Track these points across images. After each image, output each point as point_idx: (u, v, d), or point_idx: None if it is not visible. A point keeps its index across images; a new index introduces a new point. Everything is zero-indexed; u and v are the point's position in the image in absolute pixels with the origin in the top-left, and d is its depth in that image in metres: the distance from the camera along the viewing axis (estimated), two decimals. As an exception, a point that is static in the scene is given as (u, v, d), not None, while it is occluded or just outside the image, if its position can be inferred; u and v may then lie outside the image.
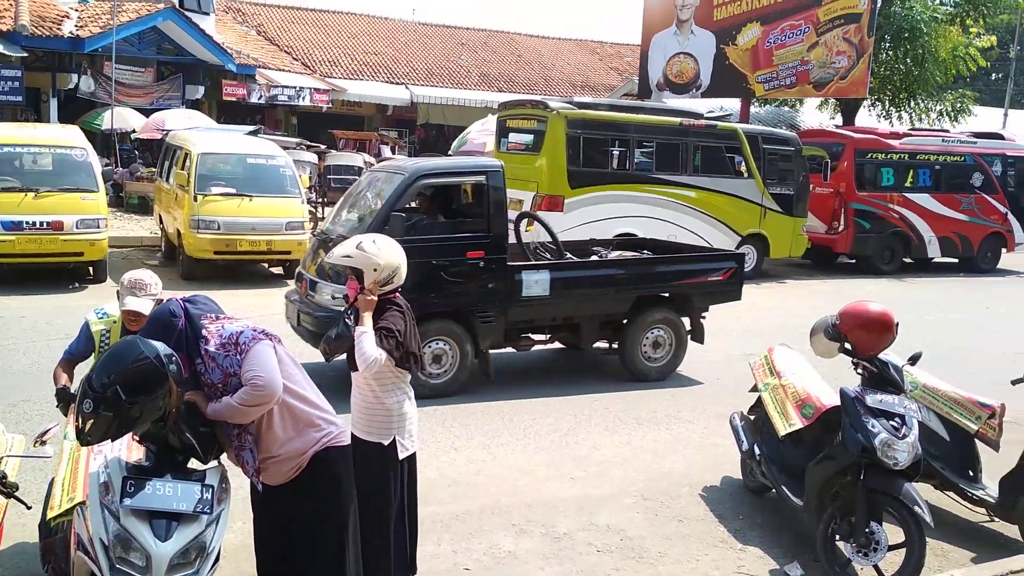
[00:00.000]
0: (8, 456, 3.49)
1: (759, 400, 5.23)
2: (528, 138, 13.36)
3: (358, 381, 3.88)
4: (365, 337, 3.67)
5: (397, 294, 3.90)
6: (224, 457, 3.31)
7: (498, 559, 4.50)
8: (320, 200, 18.40)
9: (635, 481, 5.57)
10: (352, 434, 3.83)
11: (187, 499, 2.98)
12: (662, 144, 13.40)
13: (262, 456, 3.25)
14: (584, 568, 4.44)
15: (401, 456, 3.87)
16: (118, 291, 4.10)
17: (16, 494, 3.32)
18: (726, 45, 21.50)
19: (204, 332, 3.17)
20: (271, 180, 12.08)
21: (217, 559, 3.08)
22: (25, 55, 18.04)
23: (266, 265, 12.70)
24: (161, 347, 2.92)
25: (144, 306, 3.95)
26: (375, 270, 3.73)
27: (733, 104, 22.79)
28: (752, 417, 5.37)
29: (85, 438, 2.90)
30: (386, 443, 3.83)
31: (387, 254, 3.76)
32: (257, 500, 3.40)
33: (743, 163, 14.12)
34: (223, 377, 3.13)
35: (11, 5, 18.63)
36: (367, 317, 3.72)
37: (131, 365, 2.82)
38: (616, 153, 13.15)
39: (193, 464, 3.20)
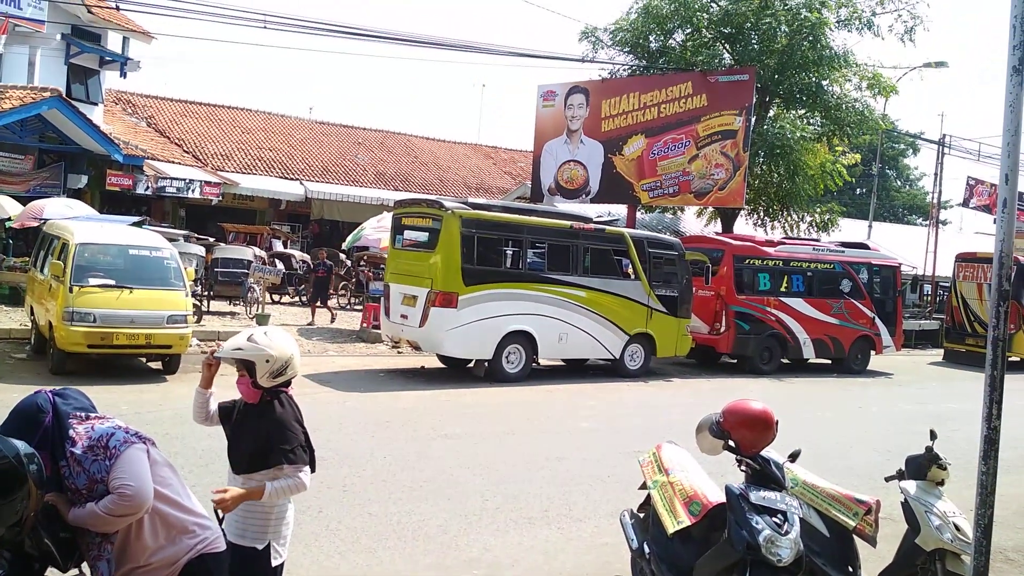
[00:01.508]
0: None
1: (648, 497, 5.24)
2: (423, 236, 13.48)
3: (236, 481, 3.69)
4: (275, 490, 3.53)
5: (289, 388, 3.79)
6: (85, 565, 3.07)
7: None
8: (206, 293, 17.91)
9: (526, 584, 5.46)
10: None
11: (41, 612, 2.74)
12: (554, 245, 13.76)
13: (131, 566, 3.03)
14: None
15: (274, 563, 3.67)
16: None
17: None
18: (613, 155, 22.55)
19: (71, 432, 2.97)
20: (154, 272, 11.67)
21: None
22: None
23: (144, 360, 12.14)
24: (22, 446, 2.71)
25: None
26: (267, 362, 3.61)
27: (620, 210, 23.74)
28: (642, 515, 5.37)
29: None
30: (260, 548, 3.63)
31: (279, 345, 3.66)
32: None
33: (630, 265, 14.62)
34: (88, 483, 2.93)
35: None
36: (250, 494, 3.52)
37: None
38: (509, 252, 13.41)
39: (51, 572, 2.95)
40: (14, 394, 3.41)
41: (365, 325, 17.04)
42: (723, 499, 4.42)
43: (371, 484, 7.23)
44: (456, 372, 13.71)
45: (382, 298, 14.32)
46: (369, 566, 5.54)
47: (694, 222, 29.06)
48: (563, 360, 14.96)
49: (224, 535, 3.64)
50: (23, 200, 18.68)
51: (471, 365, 13.56)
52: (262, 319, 16.51)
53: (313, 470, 3.77)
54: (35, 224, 15.85)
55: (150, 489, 2.94)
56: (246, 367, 3.63)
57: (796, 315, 17.01)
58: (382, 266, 17.10)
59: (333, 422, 9.38)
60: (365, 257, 21.18)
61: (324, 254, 19.92)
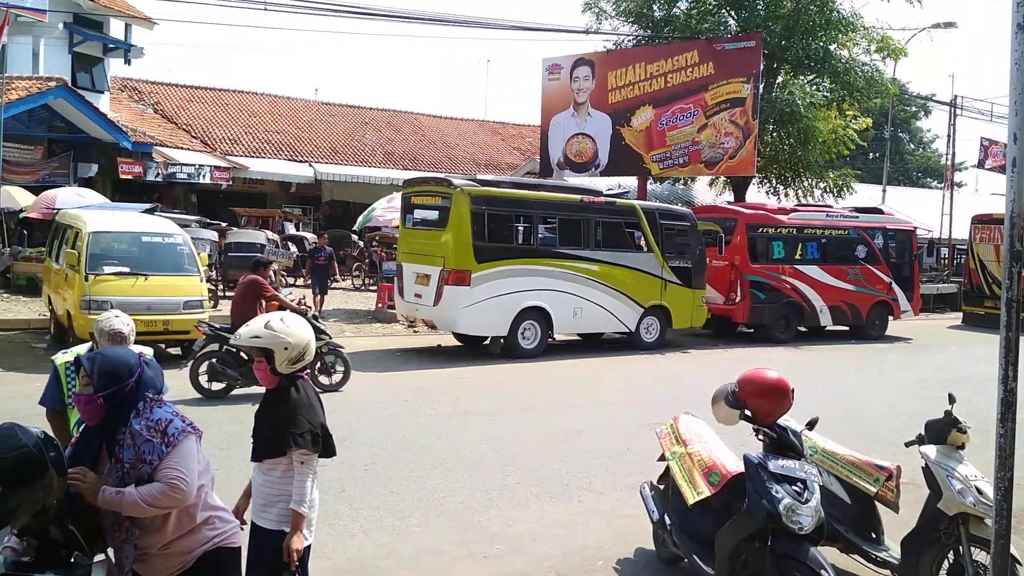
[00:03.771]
0: None
1: (667, 469, 5.25)
2: (433, 214, 13.45)
3: (262, 467, 3.71)
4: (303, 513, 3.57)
5: (305, 373, 3.80)
6: (111, 550, 3.10)
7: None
8: (220, 278, 17.96)
9: (549, 556, 5.48)
10: (252, 523, 3.65)
11: (71, 598, 2.77)
12: (564, 220, 13.71)
13: (148, 551, 3.05)
14: (498, 651, 4.29)
15: (303, 545, 3.69)
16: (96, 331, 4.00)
17: None
18: (622, 126, 22.39)
19: (140, 404, 3.02)
20: (168, 258, 11.73)
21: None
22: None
23: (163, 346, 12.21)
24: (37, 432, 2.73)
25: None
26: (286, 349, 3.60)
27: (631, 182, 23.62)
28: (662, 486, 5.38)
29: None
30: (288, 530, 3.64)
31: (297, 332, 3.64)
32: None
33: (643, 238, 14.55)
34: (134, 460, 2.95)
35: None
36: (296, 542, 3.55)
37: (8, 453, 2.63)
38: (520, 228, 13.37)
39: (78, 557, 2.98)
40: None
41: (380, 305, 17.07)
42: (742, 469, 4.42)
43: (392, 462, 7.27)
44: (472, 349, 13.73)
45: (395, 278, 14.33)
46: (393, 544, 5.58)
47: (706, 192, 28.89)
48: (578, 335, 14.96)
49: (248, 521, 3.69)
50: (33, 190, 18.78)
51: (487, 342, 13.57)
52: (277, 302, 16.53)
53: (332, 454, 3.77)
54: (48, 215, 15.93)
55: (196, 485, 2.98)
56: (264, 354, 3.63)
57: (812, 282, 16.91)
58: (394, 246, 17.08)
59: (351, 402, 9.43)
60: (377, 237, 21.18)
61: (324, 239, 19.05)
